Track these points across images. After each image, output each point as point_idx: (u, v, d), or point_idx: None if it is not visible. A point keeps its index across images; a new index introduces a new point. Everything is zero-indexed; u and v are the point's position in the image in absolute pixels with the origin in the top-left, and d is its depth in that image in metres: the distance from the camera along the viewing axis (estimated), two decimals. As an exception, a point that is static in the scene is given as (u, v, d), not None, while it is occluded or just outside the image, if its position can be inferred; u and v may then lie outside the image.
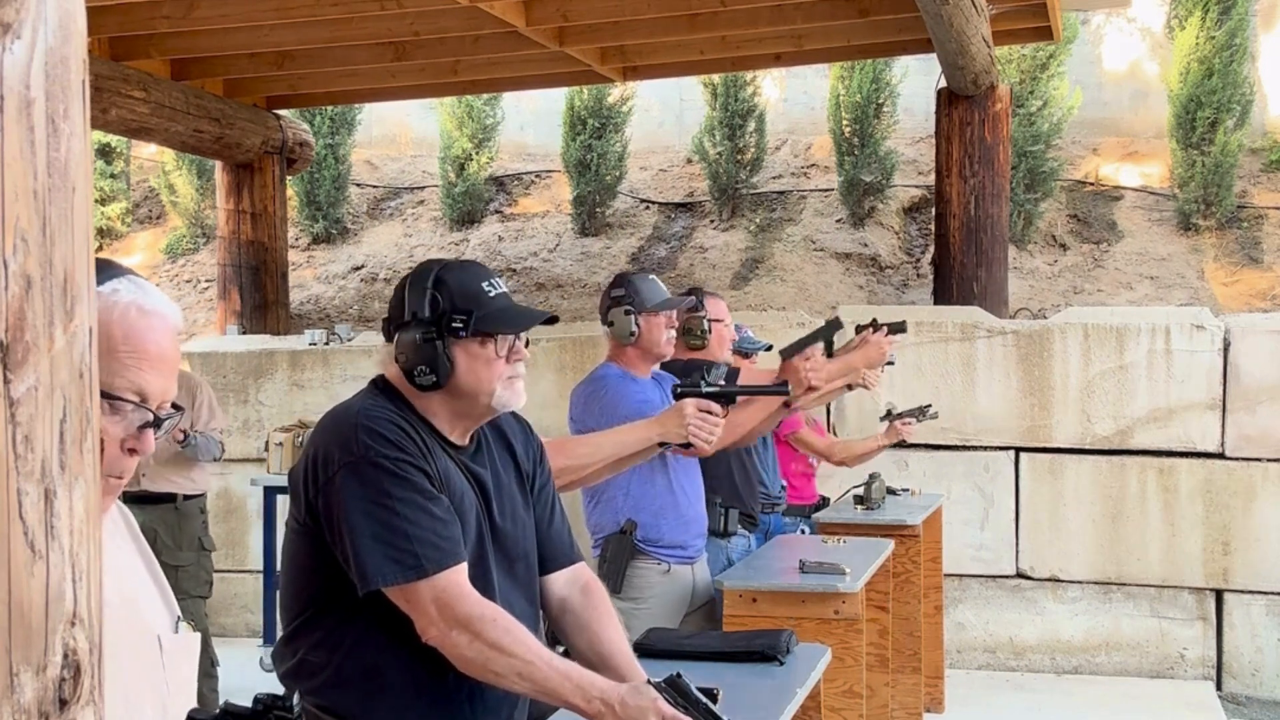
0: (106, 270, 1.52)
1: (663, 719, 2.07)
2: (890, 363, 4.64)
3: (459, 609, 2.16)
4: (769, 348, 5.40)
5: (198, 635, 1.72)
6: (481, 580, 2.29)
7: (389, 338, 2.37)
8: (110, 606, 1.53)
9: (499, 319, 2.32)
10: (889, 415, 5.90)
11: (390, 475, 2.22)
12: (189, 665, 1.65)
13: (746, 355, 5.20)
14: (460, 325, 2.30)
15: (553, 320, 2.49)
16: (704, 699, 2.14)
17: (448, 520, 2.25)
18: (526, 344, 2.41)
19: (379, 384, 2.39)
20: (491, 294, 2.34)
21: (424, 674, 2.25)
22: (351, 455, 2.23)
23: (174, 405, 1.53)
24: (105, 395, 1.43)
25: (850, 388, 4.70)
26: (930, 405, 5.98)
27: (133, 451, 1.48)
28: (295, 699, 1.50)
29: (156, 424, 1.49)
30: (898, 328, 4.45)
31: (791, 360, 3.88)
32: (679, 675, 2.15)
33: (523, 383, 2.38)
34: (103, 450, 1.45)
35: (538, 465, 2.53)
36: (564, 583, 2.49)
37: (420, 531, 2.20)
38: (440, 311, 2.31)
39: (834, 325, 4.35)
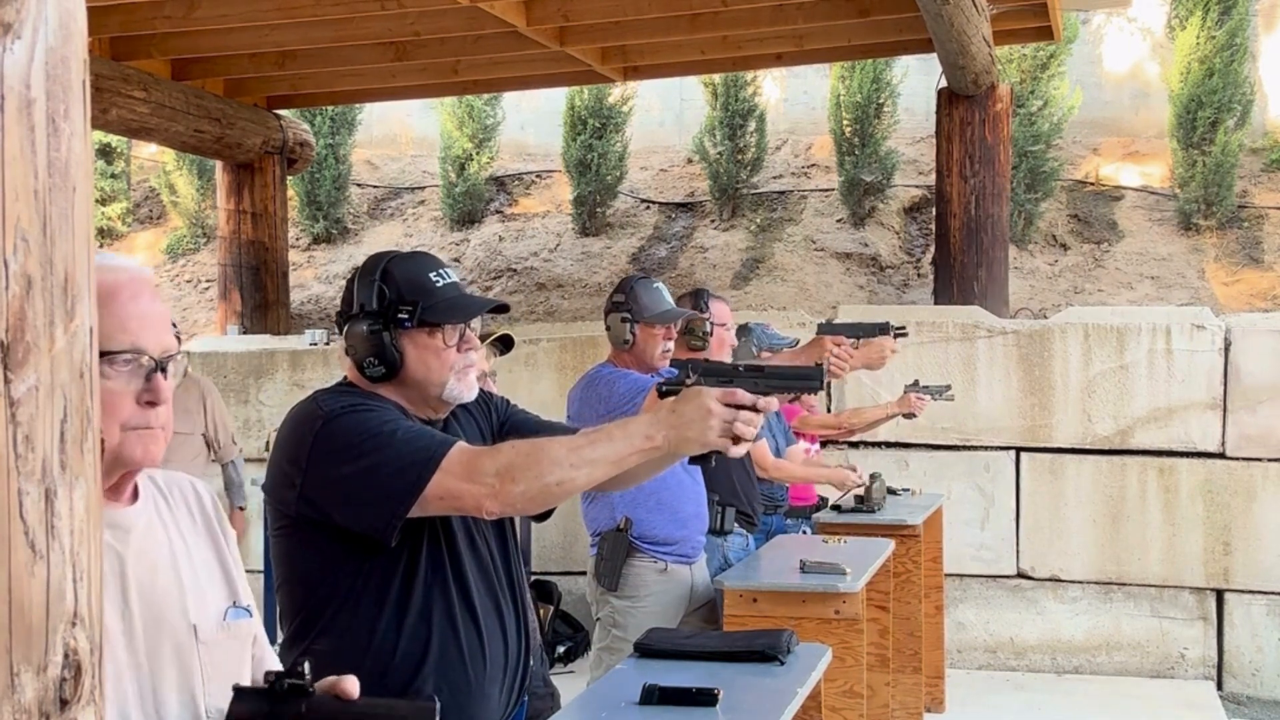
0: None
1: (716, 399, 2.12)
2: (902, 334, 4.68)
3: (486, 466, 2.14)
4: (795, 343, 5.35)
5: (253, 620, 1.69)
6: (466, 535, 2.32)
7: (340, 331, 2.38)
8: (143, 590, 1.53)
9: (444, 309, 2.31)
10: (914, 386, 5.88)
11: (362, 413, 2.25)
12: (236, 654, 1.62)
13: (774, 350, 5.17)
14: (406, 316, 2.30)
15: (503, 309, 2.49)
16: (728, 365, 2.31)
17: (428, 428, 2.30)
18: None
19: (339, 385, 2.42)
20: (439, 284, 2.33)
21: (427, 646, 2.26)
22: (319, 420, 2.25)
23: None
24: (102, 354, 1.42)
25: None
26: (950, 387, 5.93)
27: (151, 404, 1.49)
28: (306, 666, 1.48)
29: (162, 369, 1.50)
30: (901, 332, 4.49)
31: (823, 337, 3.88)
32: (701, 360, 2.27)
33: (475, 374, 2.38)
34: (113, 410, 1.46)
35: (495, 413, 2.54)
36: None
37: (413, 434, 2.22)
38: (387, 303, 2.31)
39: (884, 328, 4.38)
